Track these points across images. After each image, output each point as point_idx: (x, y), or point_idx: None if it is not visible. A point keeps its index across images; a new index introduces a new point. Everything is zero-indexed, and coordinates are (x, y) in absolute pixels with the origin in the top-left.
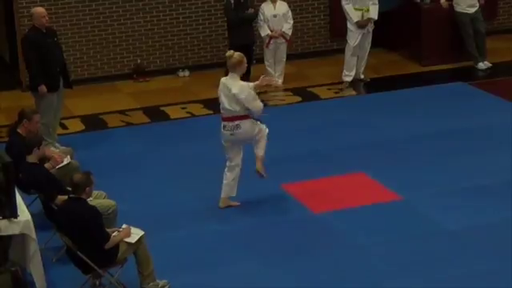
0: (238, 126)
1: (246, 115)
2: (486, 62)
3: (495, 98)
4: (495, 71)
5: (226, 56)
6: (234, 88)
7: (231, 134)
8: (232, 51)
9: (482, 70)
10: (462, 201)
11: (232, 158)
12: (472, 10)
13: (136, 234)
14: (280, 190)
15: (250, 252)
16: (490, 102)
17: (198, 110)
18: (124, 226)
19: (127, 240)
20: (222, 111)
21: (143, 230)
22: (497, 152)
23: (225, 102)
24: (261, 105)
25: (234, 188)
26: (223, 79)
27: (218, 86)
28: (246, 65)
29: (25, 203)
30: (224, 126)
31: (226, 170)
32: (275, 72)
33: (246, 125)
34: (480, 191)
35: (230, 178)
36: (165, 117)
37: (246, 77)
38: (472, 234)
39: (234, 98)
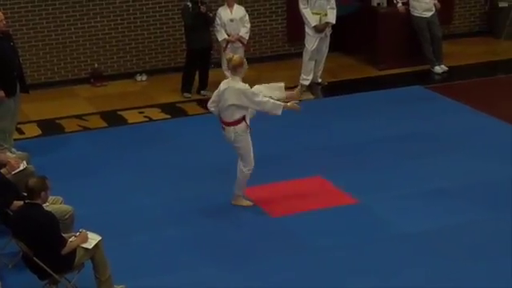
0: (229, 131)
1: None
2: (442, 66)
3: (451, 101)
4: (451, 75)
5: (226, 59)
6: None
7: (228, 137)
8: (232, 54)
9: (438, 74)
10: (419, 204)
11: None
12: (428, 14)
13: (93, 239)
14: None
15: (208, 256)
16: (447, 105)
17: (156, 114)
18: (81, 231)
19: (84, 245)
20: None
21: (101, 235)
22: (453, 155)
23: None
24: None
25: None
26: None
27: (175, 90)
28: (247, 66)
29: None
30: (223, 128)
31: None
32: None
33: (236, 131)
34: (437, 194)
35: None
36: (122, 121)
37: (203, 81)
38: (428, 237)
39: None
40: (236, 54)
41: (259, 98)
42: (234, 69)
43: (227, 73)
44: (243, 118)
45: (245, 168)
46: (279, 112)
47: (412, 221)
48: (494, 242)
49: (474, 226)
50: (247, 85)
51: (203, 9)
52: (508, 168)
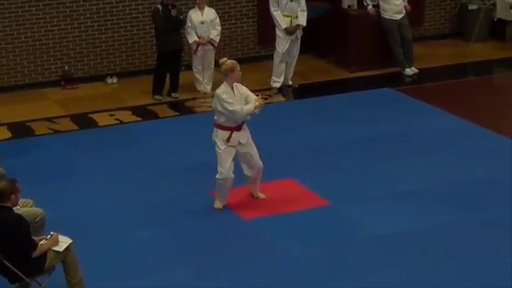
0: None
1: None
2: (412, 68)
3: (422, 103)
4: (422, 77)
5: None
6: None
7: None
8: (225, 58)
9: (409, 76)
10: (391, 205)
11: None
12: (399, 17)
13: (64, 242)
14: (210, 197)
15: (180, 259)
16: (417, 107)
17: (127, 116)
18: (52, 233)
19: (55, 248)
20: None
21: (71, 238)
22: (424, 157)
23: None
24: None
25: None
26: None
27: (146, 92)
28: (240, 72)
29: None
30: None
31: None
32: (204, 79)
33: (216, 133)
34: (408, 196)
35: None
36: (93, 124)
37: (173, 83)
38: (400, 238)
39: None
40: (229, 60)
41: (232, 107)
42: (224, 73)
43: (198, 75)
44: (225, 127)
45: (217, 174)
46: (249, 118)
47: (384, 222)
48: (465, 242)
49: (445, 227)
50: (228, 91)
51: (174, 12)
52: (478, 169)
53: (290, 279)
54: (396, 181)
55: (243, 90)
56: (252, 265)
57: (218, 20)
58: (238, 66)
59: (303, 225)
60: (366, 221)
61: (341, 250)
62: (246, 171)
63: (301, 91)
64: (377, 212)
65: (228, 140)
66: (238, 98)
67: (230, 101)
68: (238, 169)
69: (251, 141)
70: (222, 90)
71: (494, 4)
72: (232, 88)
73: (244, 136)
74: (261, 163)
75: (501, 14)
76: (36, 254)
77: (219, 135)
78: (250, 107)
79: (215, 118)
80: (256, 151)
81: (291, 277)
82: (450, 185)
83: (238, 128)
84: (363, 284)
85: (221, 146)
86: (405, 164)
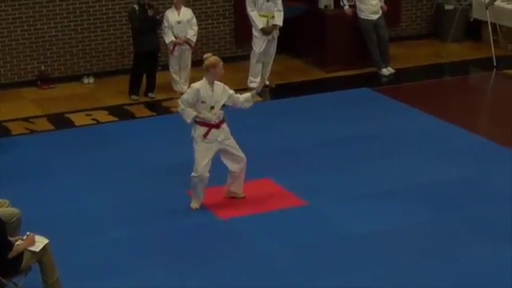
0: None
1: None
2: (389, 68)
3: (399, 103)
4: (398, 77)
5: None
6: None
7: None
8: (209, 54)
9: (385, 76)
10: (368, 205)
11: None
12: (375, 17)
13: (40, 242)
14: (186, 197)
15: (156, 259)
16: (394, 107)
17: (103, 116)
18: (28, 234)
19: (31, 248)
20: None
21: (48, 238)
22: (401, 157)
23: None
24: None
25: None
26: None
27: (123, 92)
28: (222, 70)
29: None
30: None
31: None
32: (181, 78)
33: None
34: (385, 195)
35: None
36: (70, 124)
37: (150, 83)
38: (377, 238)
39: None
40: (212, 56)
41: (181, 106)
42: (206, 69)
43: (174, 75)
44: (204, 124)
45: (193, 172)
46: (187, 121)
47: (361, 222)
48: (441, 241)
49: (422, 226)
50: (206, 87)
51: (150, 12)
52: (454, 168)
53: (267, 279)
54: (373, 180)
55: (226, 88)
56: (229, 264)
57: (194, 20)
58: (221, 63)
59: (280, 224)
60: (343, 220)
61: (317, 250)
62: (231, 166)
63: (278, 91)
64: (354, 211)
65: (205, 136)
66: (216, 96)
67: (184, 98)
68: (216, 169)
69: (231, 136)
70: (199, 85)
71: (470, 4)
72: (211, 85)
73: (221, 134)
74: (244, 157)
75: (477, 14)
76: (12, 254)
77: (198, 131)
78: (247, 95)
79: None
80: (237, 146)
81: (268, 276)
82: (427, 184)
83: (217, 126)
84: (340, 283)
85: (199, 142)
86: (382, 164)
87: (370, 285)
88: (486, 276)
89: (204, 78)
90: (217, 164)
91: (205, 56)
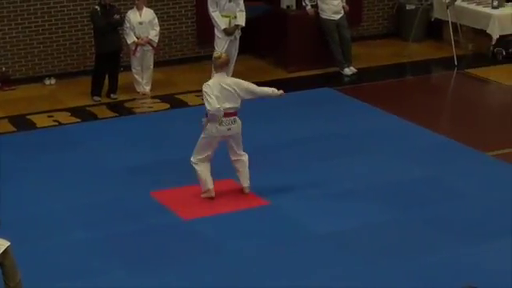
0: (234, 121)
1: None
2: (351, 68)
3: (361, 103)
4: (360, 76)
5: (213, 57)
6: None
7: (228, 129)
8: (220, 52)
9: (347, 76)
10: (330, 204)
11: (210, 154)
12: (337, 17)
13: (2, 244)
14: (149, 198)
15: (119, 261)
16: (356, 107)
17: (66, 118)
18: None
19: None
20: (214, 111)
21: (9, 241)
22: (363, 156)
23: (224, 99)
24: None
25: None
26: (214, 80)
27: (85, 93)
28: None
29: None
30: (221, 122)
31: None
32: (143, 79)
33: (238, 120)
34: (347, 195)
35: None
36: (31, 125)
37: (112, 84)
38: (340, 237)
39: (236, 93)
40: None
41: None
42: (221, 66)
43: (137, 76)
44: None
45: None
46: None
47: (323, 221)
48: (403, 241)
49: (384, 225)
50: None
51: (116, 16)
52: (416, 168)
53: (230, 279)
54: (334, 180)
55: (234, 80)
56: (192, 265)
57: (156, 20)
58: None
59: (243, 224)
60: (305, 220)
61: (280, 249)
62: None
63: None
64: (315, 211)
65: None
66: (225, 93)
67: (213, 97)
68: (178, 169)
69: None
70: (212, 82)
71: (432, 4)
72: (220, 83)
73: (234, 128)
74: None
75: (438, 14)
76: None
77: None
78: (266, 89)
79: (238, 105)
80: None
81: (231, 276)
82: (388, 184)
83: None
84: (302, 283)
85: (205, 130)
86: (343, 163)
87: (331, 285)
88: (449, 274)
89: (216, 76)
90: (179, 164)
91: (217, 55)
